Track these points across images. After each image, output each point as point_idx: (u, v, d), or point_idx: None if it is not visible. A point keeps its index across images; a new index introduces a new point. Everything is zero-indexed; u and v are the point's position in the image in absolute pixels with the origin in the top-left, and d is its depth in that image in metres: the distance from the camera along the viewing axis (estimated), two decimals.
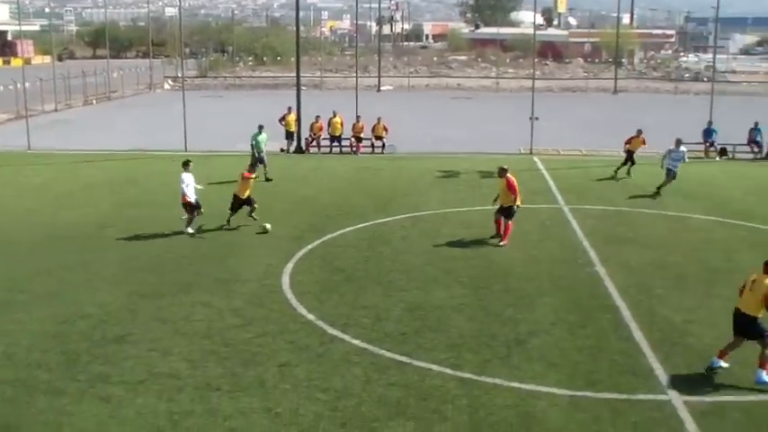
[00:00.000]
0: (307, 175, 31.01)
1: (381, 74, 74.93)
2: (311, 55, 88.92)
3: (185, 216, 22.03)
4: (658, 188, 27.41)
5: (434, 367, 13.45)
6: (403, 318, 15.77)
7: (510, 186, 21.28)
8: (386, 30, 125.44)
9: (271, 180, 29.35)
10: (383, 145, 37.04)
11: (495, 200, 21.81)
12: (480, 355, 13.98)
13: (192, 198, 21.84)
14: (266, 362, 13.61)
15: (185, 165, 22.25)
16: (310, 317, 15.71)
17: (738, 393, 12.68)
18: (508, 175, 21.47)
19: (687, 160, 28.31)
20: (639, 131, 31.11)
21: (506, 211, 21.37)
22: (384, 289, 17.52)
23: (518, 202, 21.30)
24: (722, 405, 12.29)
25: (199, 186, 22.29)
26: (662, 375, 13.24)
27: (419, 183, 29.58)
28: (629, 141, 31.21)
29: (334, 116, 37.42)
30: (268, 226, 22.15)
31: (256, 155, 29.10)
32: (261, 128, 30.59)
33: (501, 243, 21.00)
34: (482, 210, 25.04)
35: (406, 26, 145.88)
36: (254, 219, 22.57)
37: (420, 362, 13.65)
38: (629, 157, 30.93)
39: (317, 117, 37.27)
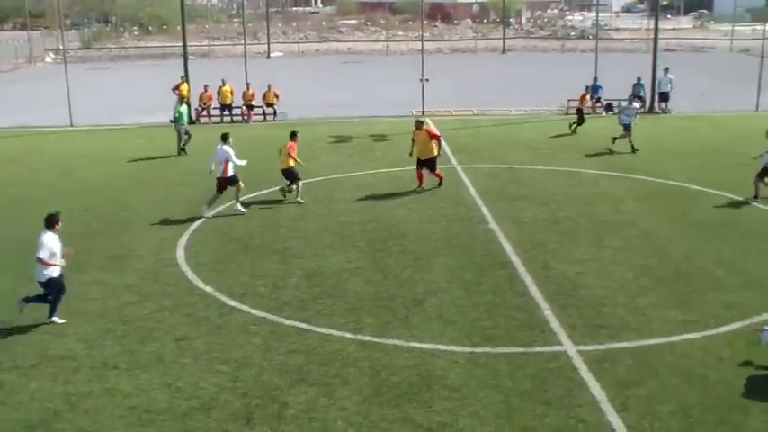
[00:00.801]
0: (198, 146, 30.47)
1: (271, 40, 74.04)
2: (198, 23, 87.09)
3: (214, 195, 21.02)
4: (614, 139, 28.78)
5: (334, 332, 13.51)
6: (301, 285, 15.77)
7: (432, 135, 22.60)
8: None
9: (184, 152, 29.08)
10: (275, 112, 36.74)
11: (411, 153, 22.74)
12: (379, 317, 14.10)
13: (230, 173, 20.98)
14: (164, 337, 13.43)
15: (225, 138, 21.29)
16: (207, 289, 15.56)
17: (629, 340, 13.10)
18: (425, 126, 22.43)
19: (637, 116, 29.76)
20: (587, 88, 32.55)
21: (431, 163, 22.70)
22: (281, 257, 17.47)
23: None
24: (614, 352, 12.70)
25: (240, 162, 21.44)
26: (557, 327, 13.60)
27: (312, 149, 29.39)
28: (580, 100, 33.25)
29: (224, 85, 36.90)
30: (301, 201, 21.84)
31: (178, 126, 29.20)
32: (182, 99, 30.46)
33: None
34: (376, 173, 25.20)
35: None
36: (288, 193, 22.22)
37: (320, 328, 13.69)
38: (580, 115, 32.57)
39: (206, 86, 36.67)
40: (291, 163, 21.82)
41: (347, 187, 23.60)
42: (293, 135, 22.19)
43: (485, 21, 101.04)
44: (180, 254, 17.69)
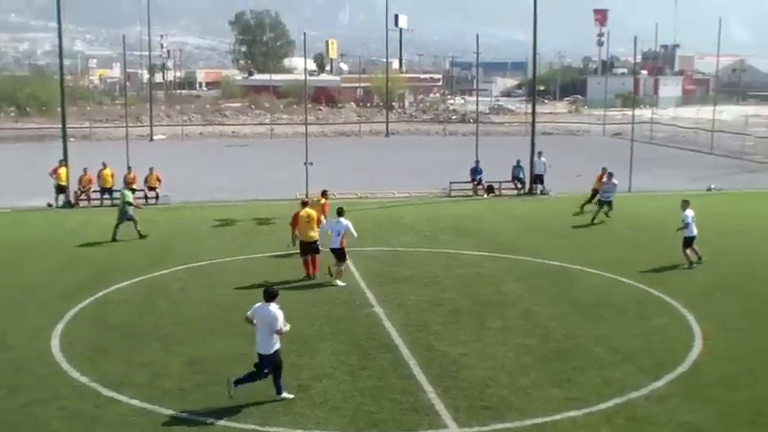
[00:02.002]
0: (77, 230, 29.77)
1: (154, 123, 73.36)
2: (80, 105, 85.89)
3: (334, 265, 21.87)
4: (593, 219, 30.41)
5: (217, 422, 13.18)
6: (182, 372, 15.38)
7: (319, 219, 22.54)
8: (158, 78, 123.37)
9: (144, 237, 27.92)
10: (157, 196, 36.24)
11: (294, 243, 22.57)
12: (263, 405, 13.83)
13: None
14: None
15: (341, 212, 22.37)
16: (83, 379, 14.98)
17: (512, 420, 13.20)
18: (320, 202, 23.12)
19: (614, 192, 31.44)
20: (603, 169, 32.88)
21: (314, 247, 22.20)
22: (162, 344, 17.03)
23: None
24: None
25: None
26: (442, 410, 13.61)
27: (196, 232, 29.12)
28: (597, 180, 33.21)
29: (104, 168, 36.30)
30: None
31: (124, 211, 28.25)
32: (128, 184, 30.10)
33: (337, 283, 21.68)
34: (260, 257, 25.00)
35: (179, 74, 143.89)
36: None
37: (202, 417, 13.33)
38: (594, 195, 32.85)
39: (85, 169, 35.96)
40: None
41: (231, 271, 23.32)
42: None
43: (368, 104, 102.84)
44: (54, 343, 17.03)
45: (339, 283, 21.67)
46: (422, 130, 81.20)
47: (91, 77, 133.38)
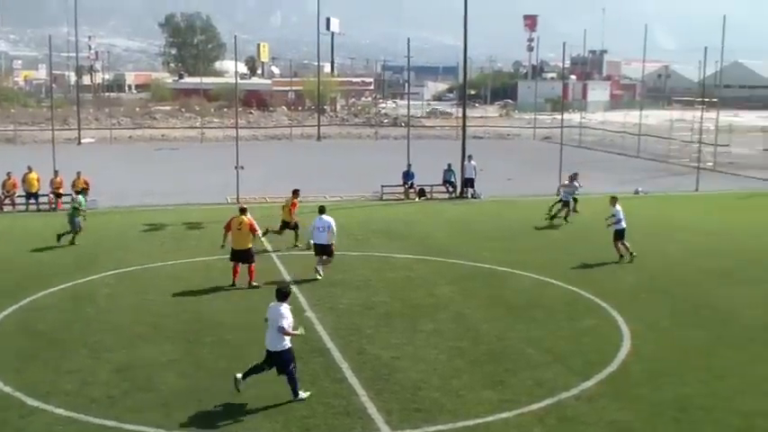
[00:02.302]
0: (1, 235, 29.08)
1: (82, 126, 72.01)
2: (4, 107, 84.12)
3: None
4: (552, 216, 31.00)
5: (145, 429, 12.97)
6: (111, 380, 15.10)
7: (252, 227, 22.12)
8: (86, 80, 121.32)
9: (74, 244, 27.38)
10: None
11: (223, 246, 22.21)
12: (193, 411, 13.65)
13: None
14: None
15: (322, 210, 23.84)
16: (6, 389, 14.58)
17: (445, 423, 13.25)
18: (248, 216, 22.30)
19: (578, 193, 32.36)
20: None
21: (246, 255, 21.98)
22: (90, 351, 16.70)
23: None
24: None
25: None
26: (374, 413, 13.61)
27: (124, 237, 28.65)
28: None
29: (30, 172, 35.53)
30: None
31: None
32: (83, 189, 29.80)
33: (255, 285, 21.56)
34: (190, 262, 24.72)
35: (108, 76, 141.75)
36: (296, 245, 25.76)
37: (130, 425, 13.10)
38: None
39: (8, 174, 35.13)
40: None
41: (161, 277, 23.00)
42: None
43: (300, 108, 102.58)
44: None
45: (320, 275, 22.56)
46: (353, 133, 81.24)
47: (16, 79, 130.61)
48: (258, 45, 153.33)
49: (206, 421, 13.27)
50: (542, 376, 15.27)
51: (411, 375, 15.33)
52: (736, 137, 59.78)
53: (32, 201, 35.40)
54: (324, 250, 22.97)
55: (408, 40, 52.03)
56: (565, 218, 31.36)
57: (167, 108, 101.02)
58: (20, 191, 35.33)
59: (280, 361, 14.17)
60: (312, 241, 23.06)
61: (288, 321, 14.20)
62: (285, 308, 14.36)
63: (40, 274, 22.99)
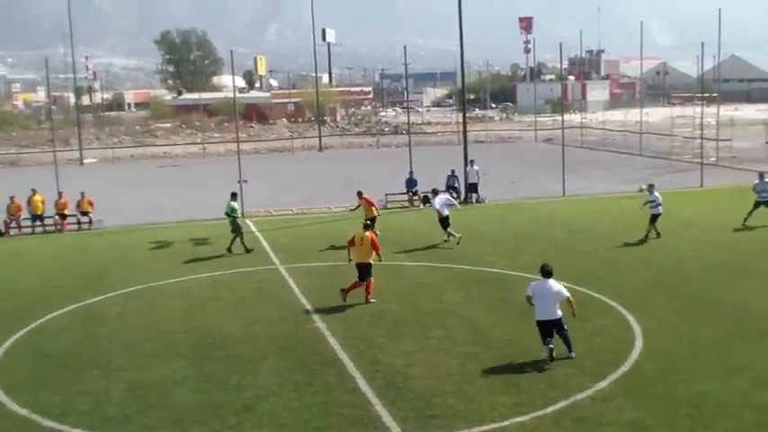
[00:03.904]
0: (7, 259, 29.11)
1: (83, 146, 72.18)
2: (5, 130, 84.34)
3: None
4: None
5: None
6: (125, 399, 15.09)
7: (374, 242, 21.63)
8: (86, 100, 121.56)
9: (250, 251, 28.18)
10: (90, 221, 35.60)
11: (350, 260, 21.83)
12: (209, 427, 13.65)
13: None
14: None
15: (436, 192, 30.05)
16: (23, 412, 14.59)
17: (461, 429, 13.22)
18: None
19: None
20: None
21: (367, 270, 21.47)
22: (102, 371, 16.70)
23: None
24: None
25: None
26: (389, 421, 13.58)
27: (131, 256, 28.66)
28: None
29: (34, 194, 35.53)
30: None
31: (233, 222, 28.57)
32: (234, 195, 29.70)
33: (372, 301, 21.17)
34: (197, 278, 24.73)
35: (107, 95, 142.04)
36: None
37: None
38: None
39: (12, 197, 35.14)
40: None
41: (168, 294, 23.00)
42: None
43: (300, 120, 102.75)
44: None
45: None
46: (355, 143, 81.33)
47: (15, 102, 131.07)
48: (255, 58, 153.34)
49: None
50: (556, 378, 15.23)
51: (424, 382, 15.30)
52: (738, 131, 59.64)
53: (38, 223, 35.43)
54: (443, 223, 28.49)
55: (405, 47, 52.10)
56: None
57: (168, 125, 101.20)
58: (25, 213, 35.36)
59: (560, 324, 16.24)
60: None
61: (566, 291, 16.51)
62: (555, 282, 16.59)
63: (48, 297, 22.99)
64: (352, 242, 21.88)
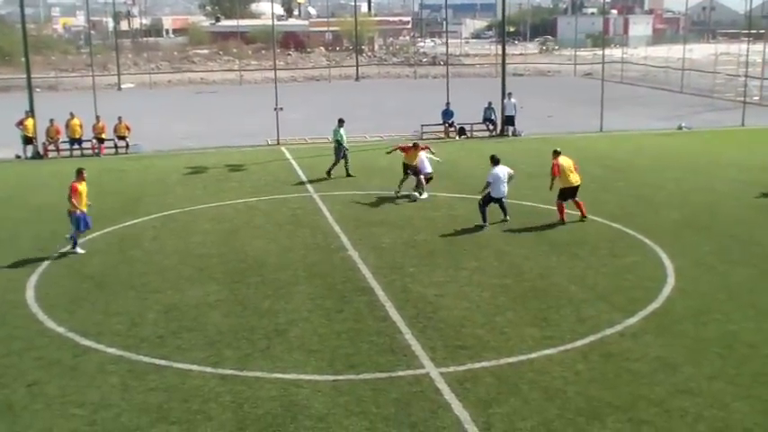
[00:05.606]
0: (47, 182, 29.42)
1: (121, 71, 72.31)
2: (44, 54, 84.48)
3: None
4: None
5: (194, 367, 13.19)
6: (159, 320, 15.37)
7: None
8: (124, 25, 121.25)
9: (352, 176, 28.83)
10: (127, 145, 35.88)
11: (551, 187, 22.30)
12: (240, 349, 13.88)
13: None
14: (13, 383, 12.79)
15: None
16: (60, 329, 14.94)
17: (489, 359, 13.31)
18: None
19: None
20: None
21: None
22: (137, 292, 16.99)
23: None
24: (475, 372, 12.87)
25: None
26: (418, 350, 13.69)
27: (167, 181, 28.90)
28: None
29: (72, 118, 35.80)
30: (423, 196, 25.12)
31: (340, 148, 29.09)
32: (341, 122, 29.82)
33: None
34: (232, 204, 24.91)
35: (145, 21, 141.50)
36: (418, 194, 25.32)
37: (179, 363, 13.35)
38: None
39: (51, 120, 35.41)
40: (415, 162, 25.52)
41: (204, 219, 23.22)
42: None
43: (338, 48, 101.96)
44: (30, 294, 16.94)
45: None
46: (392, 73, 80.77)
47: (54, 26, 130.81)
48: None
49: (252, 360, 13.46)
50: (585, 313, 15.26)
51: (454, 313, 15.40)
52: None
53: (76, 146, 35.76)
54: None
55: None
56: None
57: (205, 52, 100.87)
58: (63, 137, 35.68)
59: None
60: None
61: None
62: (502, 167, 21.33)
63: None
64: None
